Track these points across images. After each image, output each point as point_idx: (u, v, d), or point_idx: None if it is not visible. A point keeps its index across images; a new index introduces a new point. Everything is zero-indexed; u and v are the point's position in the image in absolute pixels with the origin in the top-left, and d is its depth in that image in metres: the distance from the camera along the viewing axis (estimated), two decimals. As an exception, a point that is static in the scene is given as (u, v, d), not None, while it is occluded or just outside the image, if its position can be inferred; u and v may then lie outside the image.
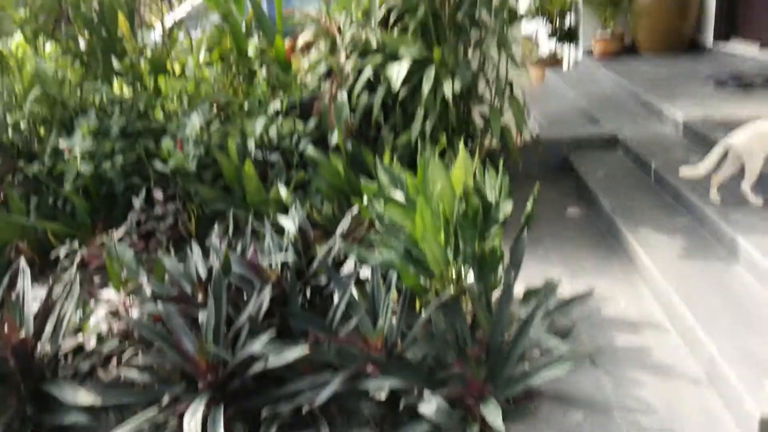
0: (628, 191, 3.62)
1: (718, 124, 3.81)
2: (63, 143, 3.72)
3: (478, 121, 3.77)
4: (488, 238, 2.27)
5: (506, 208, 2.32)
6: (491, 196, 2.43)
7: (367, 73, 3.58)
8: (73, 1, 4.36)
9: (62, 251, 3.40)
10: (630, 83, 5.29)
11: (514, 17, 3.65)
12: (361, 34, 3.71)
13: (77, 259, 2.91)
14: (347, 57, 3.74)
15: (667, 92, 4.77)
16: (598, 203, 3.59)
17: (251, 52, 4.19)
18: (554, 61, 7.40)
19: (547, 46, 7.52)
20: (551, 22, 7.18)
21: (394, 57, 3.54)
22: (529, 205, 2.45)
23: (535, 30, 7.94)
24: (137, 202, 3.54)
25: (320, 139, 3.81)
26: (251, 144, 3.74)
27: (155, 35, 4.96)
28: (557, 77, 6.67)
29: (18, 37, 4.82)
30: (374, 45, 3.67)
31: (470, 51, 3.73)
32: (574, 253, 3.20)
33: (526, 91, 4.09)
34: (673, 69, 5.65)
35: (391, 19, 3.68)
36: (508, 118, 3.76)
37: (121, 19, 4.02)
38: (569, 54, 7.33)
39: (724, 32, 5.99)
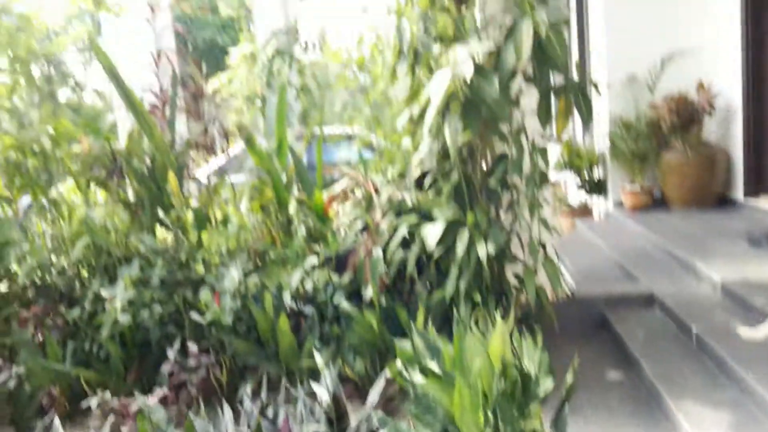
0: (670, 356, 3.52)
1: (757, 287, 3.77)
2: (105, 292, 3.82)
3: (512, 281, 3.78)
4: (528, 417, 2.20)
5: (546, 384, 2.27)
6: (529, 366, 2.38)
7: (402, 231, 3.69)
8: (127, 157, 4.67)
9: (94, 402, 3.39)
10: (663, 238, 5.31)
11: (544, 180, 3.77)
12: (396, 194, 3.87)
13: (110, 419, 2.89)
14: (383, 215, 3.88)
15: (701, 250, 4.77)
16: (639, 368, 3.49)
17: (291, 207, 4.37)
18: (584, 211, 7.50)
19: (576, 196, 7.67)
20: (579, 174, 7.36)
21: (429, 217, 3.65)
22: (568, 378, 2.39)
23: (564, 180, 8.14)
24: (171, 353, 3.56)
25: (354, 293, 3.85)
26: (287, 296, 3.79)
27: (199, 182, 5.23)
28: (588, 228, 6.74)
29: (70, 182, 5.13)
30: (409, 205, 3.81)
31: (502, 212, 3.83)
32: (617, 426, 3.06)
33: (556, 243, 4.13)
34: (704, 225, 5.68)
35: (426, 182, 3.85)
36: (542, 276, 3.77)
37: (171, 176, 4.26)
38: (599, 205, 7.45)
39: (754, 189, 6.07)
